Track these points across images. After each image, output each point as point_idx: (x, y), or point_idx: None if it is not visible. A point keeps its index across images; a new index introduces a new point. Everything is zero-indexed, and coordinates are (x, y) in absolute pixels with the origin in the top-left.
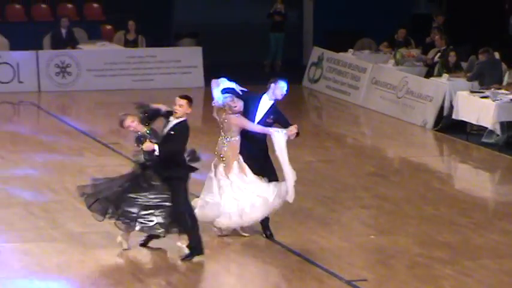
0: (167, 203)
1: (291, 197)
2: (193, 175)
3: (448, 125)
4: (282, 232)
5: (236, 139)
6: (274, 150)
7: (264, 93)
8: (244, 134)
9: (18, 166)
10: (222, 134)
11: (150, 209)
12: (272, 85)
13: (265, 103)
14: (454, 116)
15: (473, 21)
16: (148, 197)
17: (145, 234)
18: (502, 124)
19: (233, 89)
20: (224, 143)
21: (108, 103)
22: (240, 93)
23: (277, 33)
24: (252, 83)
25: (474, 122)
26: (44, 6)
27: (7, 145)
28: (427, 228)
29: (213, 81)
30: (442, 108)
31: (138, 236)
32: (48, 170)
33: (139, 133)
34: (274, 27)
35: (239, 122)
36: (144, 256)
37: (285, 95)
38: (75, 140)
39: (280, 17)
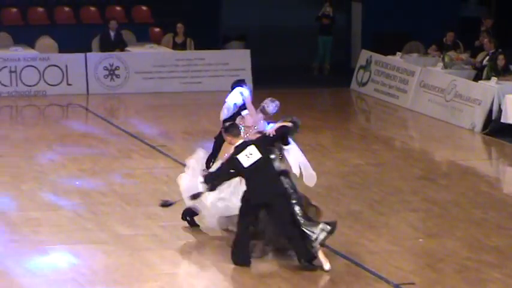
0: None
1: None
2: None
3: (496, 129)
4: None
5: None
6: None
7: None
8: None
9: (66, 168)
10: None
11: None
12: (239, 87)
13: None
14: (502, 120)
15: None
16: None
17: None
18: None
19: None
20: None
21: (156, 106)
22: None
23: (325, 36)
24: (300, 86)
25: None
26: (92, 8)
27: (56, 147)
28: (476, 232)
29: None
30: (490, 111)
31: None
32: (97, 172)
33: None
34: (323, 30)
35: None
36: (193, 260)
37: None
38: (123, 142)
39: (329, 20)
